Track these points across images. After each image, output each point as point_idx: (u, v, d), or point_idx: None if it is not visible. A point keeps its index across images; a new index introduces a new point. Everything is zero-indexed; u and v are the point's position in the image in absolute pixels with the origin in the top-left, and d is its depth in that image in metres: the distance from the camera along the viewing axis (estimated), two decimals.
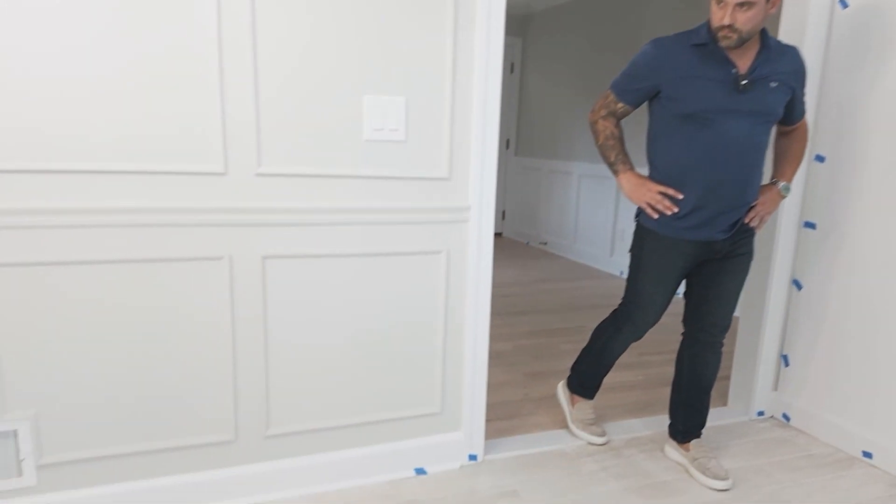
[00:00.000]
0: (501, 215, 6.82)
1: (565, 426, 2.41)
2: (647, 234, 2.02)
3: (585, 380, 2.32)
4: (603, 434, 2.28)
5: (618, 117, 1.99)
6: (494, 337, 3.47)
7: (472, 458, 2.10)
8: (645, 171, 2.12)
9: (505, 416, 2.49)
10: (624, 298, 2.15)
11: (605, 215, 5.28)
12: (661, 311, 2.08)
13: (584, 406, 2.33)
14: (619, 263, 5.12)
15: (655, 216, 1.96)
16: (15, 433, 1.58)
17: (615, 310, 2.20)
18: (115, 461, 1.69)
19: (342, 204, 1.77)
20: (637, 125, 4.77)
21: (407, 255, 1.89)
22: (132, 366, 1.66)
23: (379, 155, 1.79)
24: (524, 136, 6.49)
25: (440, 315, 1.97)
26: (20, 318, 1.54)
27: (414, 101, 1.80)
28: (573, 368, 2.35)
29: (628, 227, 5.04)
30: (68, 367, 1.60)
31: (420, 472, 2.03)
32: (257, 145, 1.66)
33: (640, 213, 2.04)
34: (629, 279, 2.11)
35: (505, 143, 6.67)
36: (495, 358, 3.14)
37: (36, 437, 1.60)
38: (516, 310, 4.02)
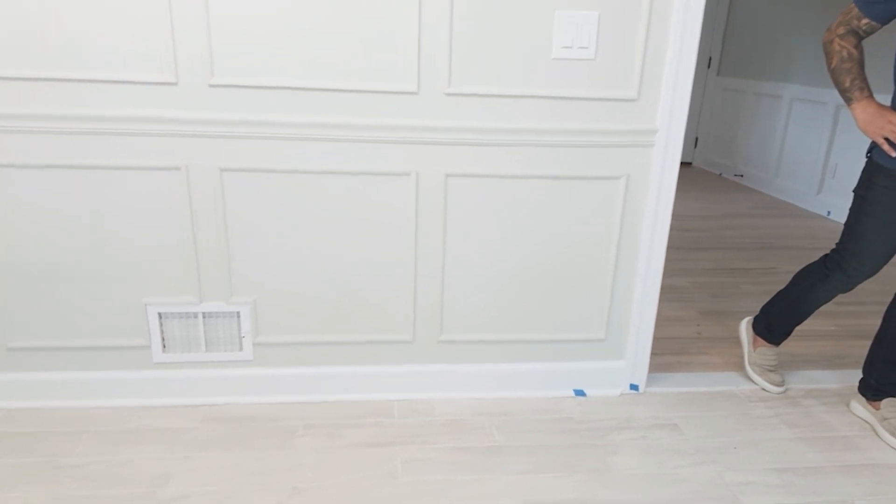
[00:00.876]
0: (693, 142, 6.34)
1: (739, 368, 2.29)
2: (878, 172, 1.78)
3: (775, 324, 2.16)
4: (781, 383, 2.14)
5: (860, 36, 1.73)
6: (670, 271, 3.34)
7: (634, 387, 2.10)
8: (884, 99, 1.84)
9: (673, 351, 2.43)
10: (839, 243, 1.93)
11: (816, 147, 4.69)
12: (882, 263, 1.86)
13: (767, 351, 2.19)
14: (827, 203, 4.57)
15: (894, 154, 1.71)
16: (238, 314, 1.88)
17: (826, 254, 2.00)
18: (314, 347, 1.95)
19: (523, 124, 1.78)
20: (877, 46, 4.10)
21: (584, 180, 1.86)
22: (333, 266, 1.87)
23: (565, 74, 1.75)
24: (730, 54, 5.86)
25: (613, 242, 1.94)
26: (246, 217, 1.79)
27: (607, 15, 1.71)
28: (764, 309, 2.20)
29: (843, 163, 4.44)
30: (282, 263, 1.85)
31: (579, 393, 2.08)
32: (448, 65, 1.70)
33: (873, 148, 1.79)
34: (849, 222, 1.88)
35: (706, 62, 6.09)
36: (669, 292, 3.03)
37: (254, 320, 1.89)
38: (698, 245, 3.80)
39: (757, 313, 2.24)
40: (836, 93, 4.45)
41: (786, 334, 2.16)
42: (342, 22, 1.65)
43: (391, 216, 1.84)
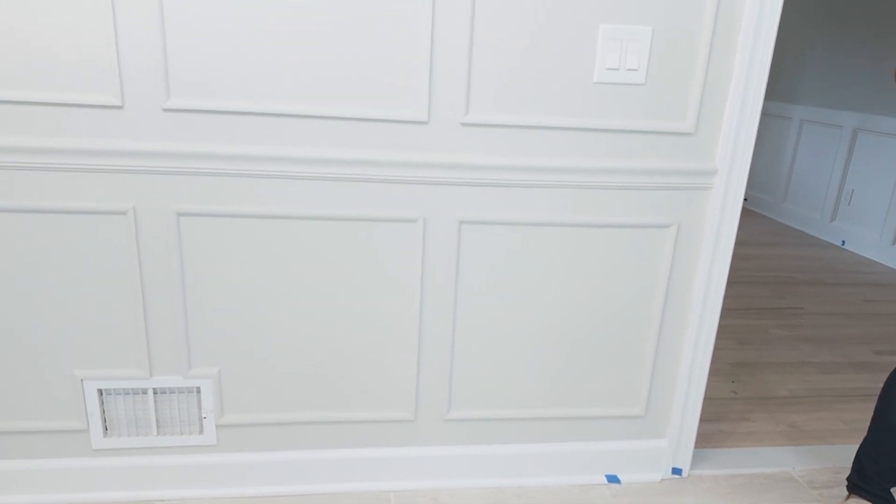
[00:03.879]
0: None
1: (789, 440, 1.97)
2: None
3: (868, 472, 1.59)
4: None
5: None
6: None
7: (676, 471, 1.77)
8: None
9: (711, 416, 2.11)
10: None
11: (828, 171, 4.43)
12: None
13: None
14: (841, 231, 4.30)
15: None
16: (198, 390, 1.52)
17: None
18: (292, 428, 1.59)
19: (554, 162, 1.45)
20: None
21: (626, 228, 1.53)
22: (317, 331, 1.52)
23: (608, 102, 1.42)
24: None
25: (658, 303, 1.61)
26: (209, 272, 1.43)
27: (662, 30, 1.39)
28: (858, 452, 1.63)
29: (861, 189, 4.18)
30: (254, 327, 1.49)
31: (612, 479, 1.74)
32: (466, 89, 1.37)
33: None
34: None
35: None
36: None
37: (218, 396, 1.53)
38: None
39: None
40: (853, 115, 4.20)
41: (883, 483, 1.58)
42: (333, 34, 1.30)
43: (390, 271, 1.49)
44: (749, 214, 5.09)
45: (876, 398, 2.28)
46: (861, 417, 2.15)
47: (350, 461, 1.63)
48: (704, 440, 1.96)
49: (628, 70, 1.40)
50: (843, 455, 1.91)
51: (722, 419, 2.10)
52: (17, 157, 1.29)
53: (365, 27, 1.31)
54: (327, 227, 1.44)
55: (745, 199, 5.34)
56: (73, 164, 1.30)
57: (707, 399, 2.22)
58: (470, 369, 1.61)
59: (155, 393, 1.50)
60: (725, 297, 3.22)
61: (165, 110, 1.30)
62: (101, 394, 1.49)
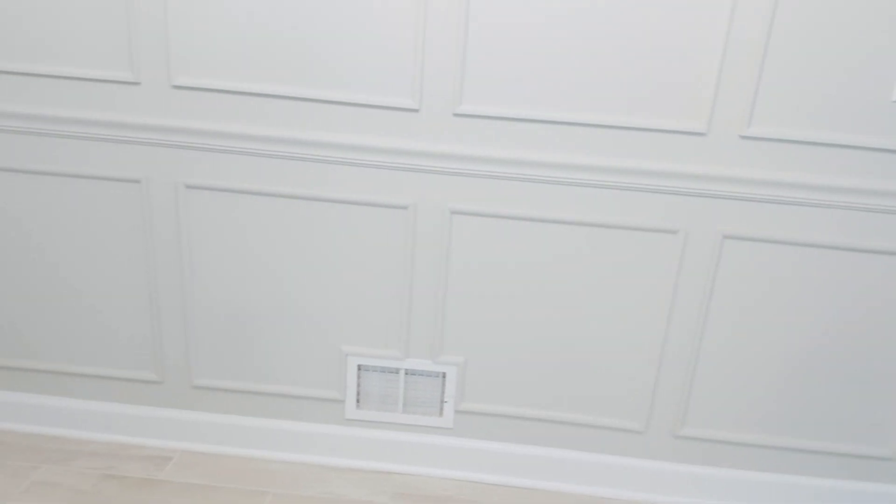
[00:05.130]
0: None
1: None
2: None
3: None
4: None
5: None
6: None
7: None
8: None
9: None
10: None
11: None
12: None
13: None
14: None
15: None
16: (444, 375, 1.61)
17: None
18: (524, 423, 1.64)
19: (837, 181, 1.38)
20: None
21: (890, 254, 1.43)
22: (560, 332, 1.56)
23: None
24: None
25: None
26: (469, 267, 1.51)
27: None
28: None
29: None
30: (501, 322, 1.56)
31: None
32: (752, 101, 1.33)
33: None
34: None
35: None
36: None
37: (460, 383, 1.61)
38: None
39: None
40: None
41: None
42: (617, 43, 1.32)
43: (643, 279, 1.49)
44: None
45: None
46: None
47: (574, 463, 1.65)
48: None
49: None
50: None
51: None
52: (316, 150, 1.43)
53: (656, 39, 1.31)
54: (586, 232, 1.47)
55: None
56: (368, 161, 1.43)
57: None
58: (710, 387, 1.57)
59: (406, 373, 1.61)
60: None
61: (455, 115, 1.39)
62: (360, 369, 1.62)
